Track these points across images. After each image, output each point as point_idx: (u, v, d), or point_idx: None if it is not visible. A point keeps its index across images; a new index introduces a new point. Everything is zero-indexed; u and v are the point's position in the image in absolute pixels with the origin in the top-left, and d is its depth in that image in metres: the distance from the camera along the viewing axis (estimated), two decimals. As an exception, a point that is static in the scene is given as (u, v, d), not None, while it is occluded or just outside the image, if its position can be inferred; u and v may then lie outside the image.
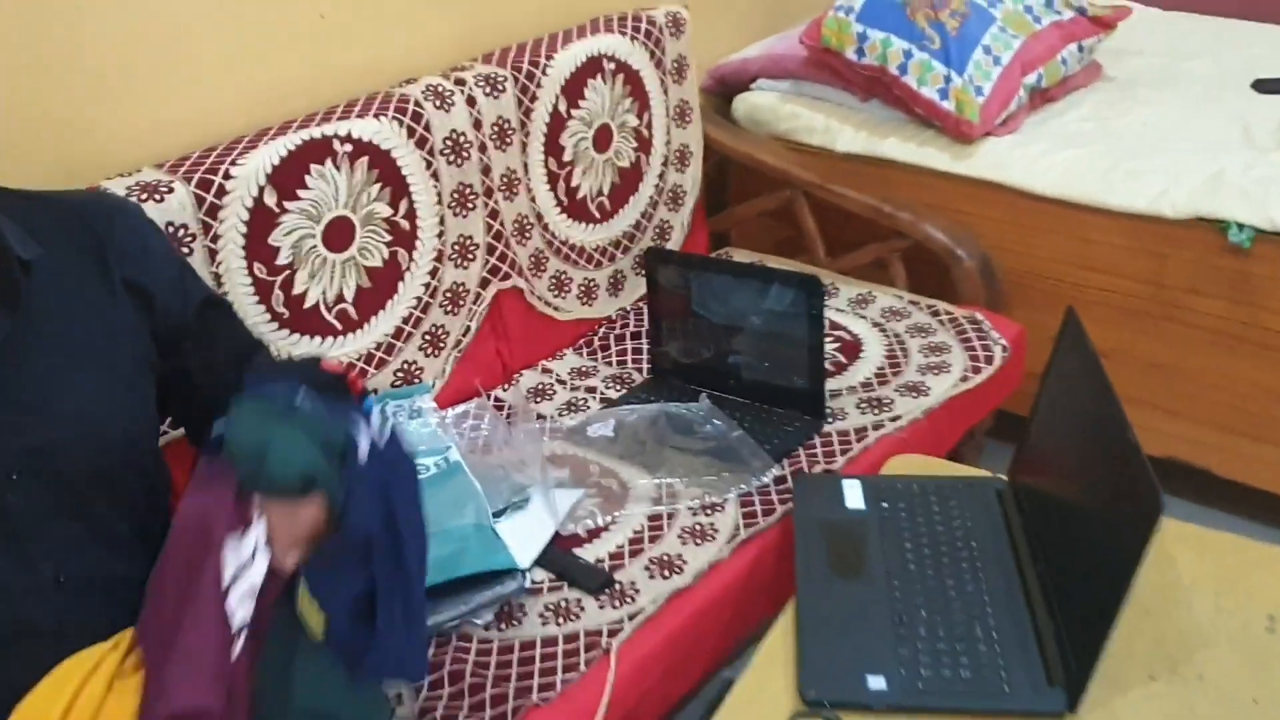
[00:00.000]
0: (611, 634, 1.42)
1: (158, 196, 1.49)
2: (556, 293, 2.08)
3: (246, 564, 1.04)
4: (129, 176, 1.52)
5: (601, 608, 1.47)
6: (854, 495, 1.53)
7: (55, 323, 1.09)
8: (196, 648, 1.01)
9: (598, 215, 2.13)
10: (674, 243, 2.29)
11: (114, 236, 1.15)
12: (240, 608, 1.03)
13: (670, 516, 1.62)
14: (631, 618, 1.45)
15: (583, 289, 2.13)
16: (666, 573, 1.52)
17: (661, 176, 2.23)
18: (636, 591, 1.49)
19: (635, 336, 2.10)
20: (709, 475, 1.68)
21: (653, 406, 1.84)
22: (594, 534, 1.60)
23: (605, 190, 2.13)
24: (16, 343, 1.05)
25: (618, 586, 1.50)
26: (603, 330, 2.14)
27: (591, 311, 2.15)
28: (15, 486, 1.03)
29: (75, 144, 1.54)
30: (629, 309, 2.19)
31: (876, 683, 1.24)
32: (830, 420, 1.81)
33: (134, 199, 1.46)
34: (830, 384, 1.87)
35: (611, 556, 1.56)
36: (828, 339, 1.99)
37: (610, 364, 2.04)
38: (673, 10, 2.20)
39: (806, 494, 1.56)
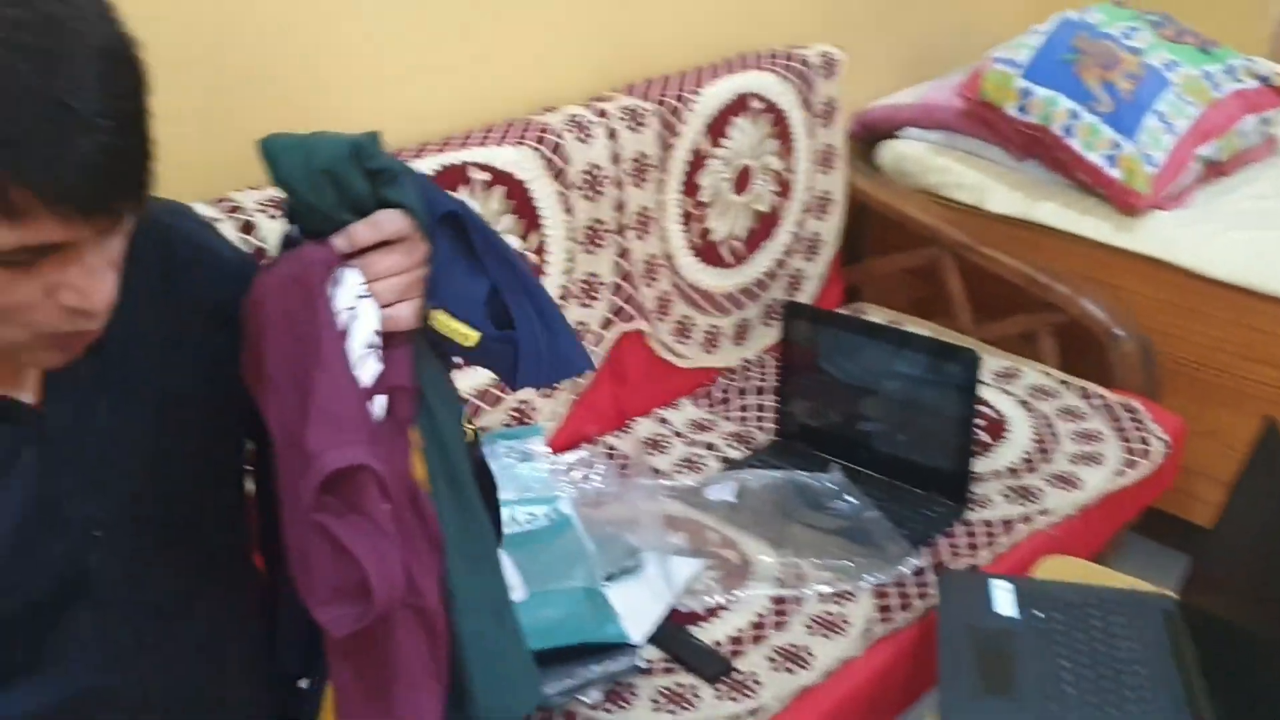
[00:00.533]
0: (723, 729, 1.30)
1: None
2: (679, 338, 1.97)
3: (353, 315, 0.87)
4: (260, 190, 1.45)
5: (719, 698, 1.35)
6: (1005, 599, 1.40)
7: (130, 358, 0.95)
8: (335, 403, 0.85)
9: (730, 260, 2.02)
10: (807, 294, 2.17)
11: (219, 263, 1.03)
12: (363, 367, 0.87)
13: (797, 601, 1.50)
14: (752, 714, 1.32)
15: (707, 336, 2.01)
16: (791, 666, 1.39)
17: (800, 224, 2.12)
18: (758, 684, 1.36)
19: (758, 392, 1.98)
20: (841, 559, 1.55)
21: (779, 474, 1.72)
22: (712, 611, 1.48)
23: (740, 234, 2.02)
24: (94, 386, 0.93)
25: (737, 676, 1.37)
26: (722, 381, 2.03)
27: (713, 360, 2.04)
28: (97, 545, 0.93)
29: (213, 160, 1.46)
30: (752, 360, 2.08)
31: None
32: (973, 508, 1.67)
33: (266, 217, 1.40)
34: (974, 465, 1.73)
35: (730, 640, 1.44)
36: (973, 418, 1.86)
37: (731, 420, 1.92)
38: (826, 50, 2.09)
39: (952, 593, 1.43)
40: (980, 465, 1.75)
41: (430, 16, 1.67)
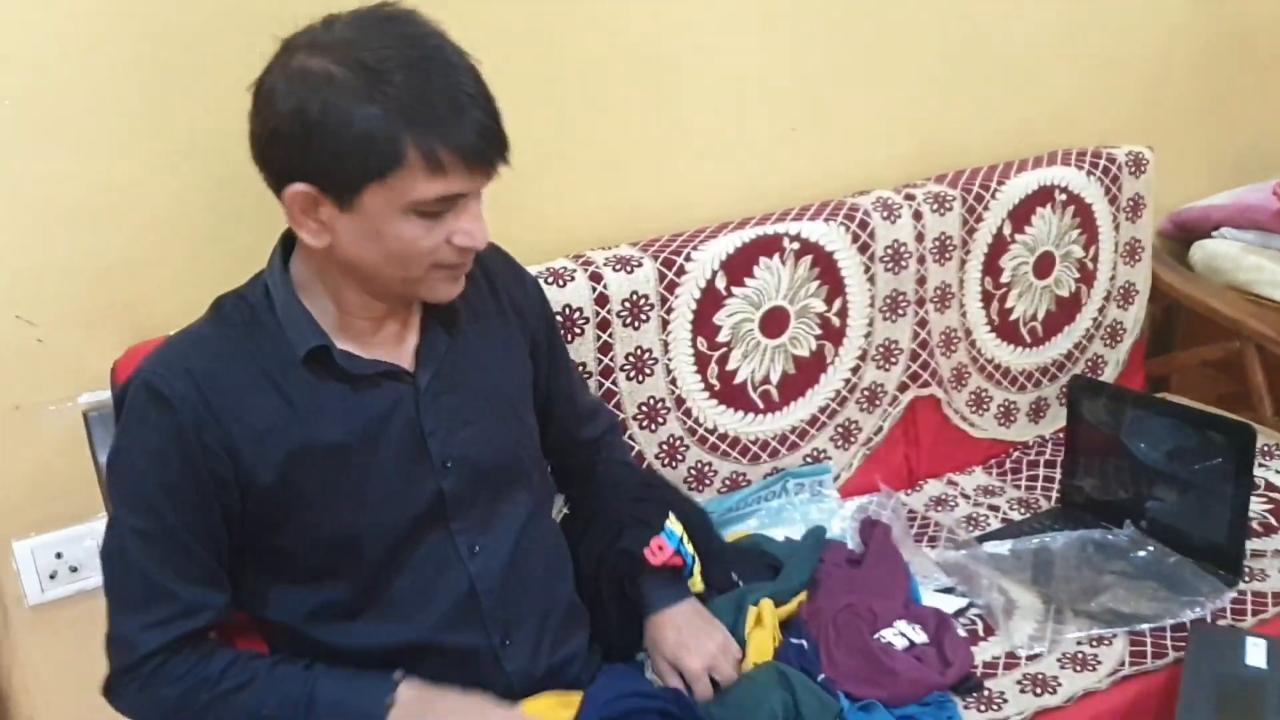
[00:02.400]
0: (971, 734, 1.44)
1: (629, 269, 1.73)
2: (974, 409, 2.12)
3: None
4: (608, 250, 1.77)
5: (966, 707, 1.49)
6: (1257, 653, 1.46)
7: (470, 344, 1.33)
8: None
9: (1028, 339, 2.15)
10: (1106, 379, 2.25)
11: (527, 287, 1.45)
12: None
13: (1054, 643, 1.61)
14: (993, 723, 1.46)
15: (1002, 409, 2.15)
16: (1039, 690, 1.51)
17: (1101, 310, 2.22)
18: (1004, 700, 1.50)
19: (1049, 465, 2.09)
20: (1159, 599, 1.65)
21: (1074, 533, 1.82)
22: (973, 640, 1.62)
23: (1039, 315, 2.15)
24: (445, 355, 1.30)
25: (985, 692, 1.51)
26: (1015, 454, 2.15)
27: (1008, 434, 2.17)
28: (448, 474, 1.28)
29: (568, 220, 1.81)
30: (1047, 438, 2.18)
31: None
32: (1247, 579, 1.71)
33: (610, 270, 1.71)
34: (1255, 543, 1.77)
35: (985, 665, 1.58)
36: (1261, 499, 1.89)
37: (1018, 488, 2.05)
38: (1136, 150, 2.20)
39: (1203, 644, 1.50)
40: (1262, 543, 1.78)
41: (763, 109, 1.96)
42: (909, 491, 2.05)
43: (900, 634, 1.52)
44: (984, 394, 2.13)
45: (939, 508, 1.99)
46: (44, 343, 1.55)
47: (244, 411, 1.19)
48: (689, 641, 1.40)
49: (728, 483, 1.89)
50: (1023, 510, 1.97)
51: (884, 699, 1.43)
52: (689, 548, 1.46)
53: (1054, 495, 2.00)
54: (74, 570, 1.66)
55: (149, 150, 1.54)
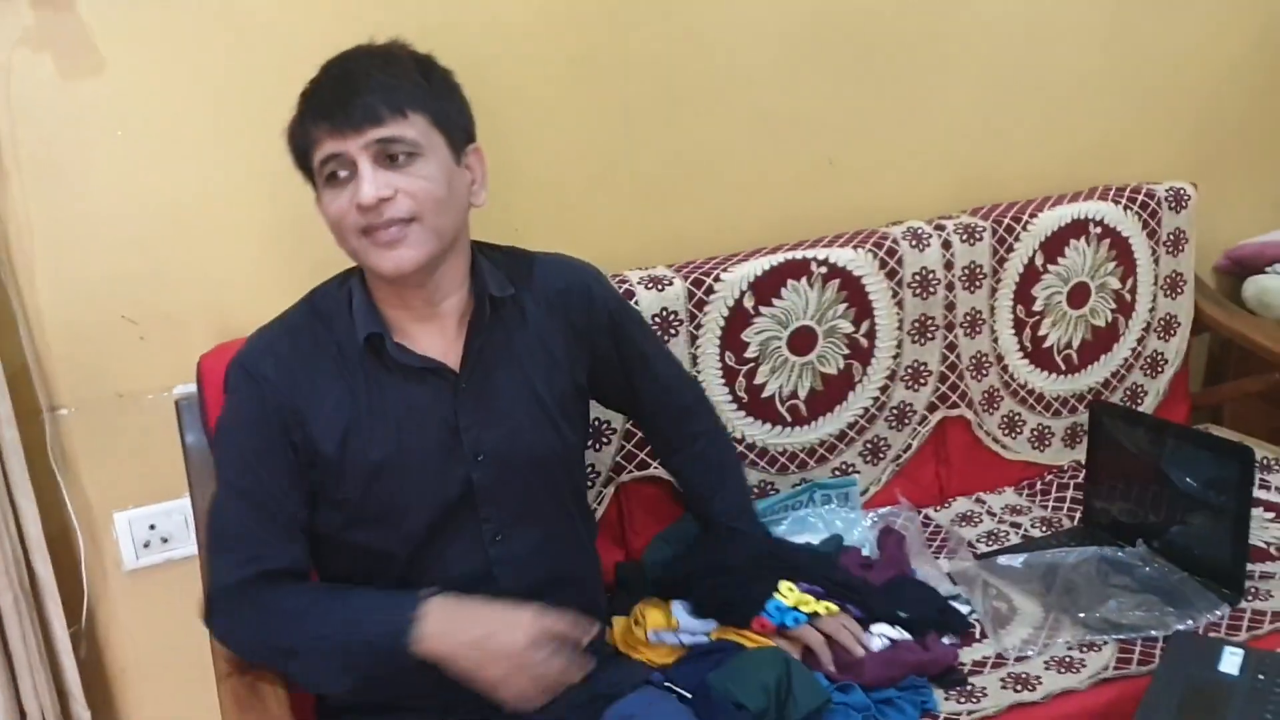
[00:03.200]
0: (947, 721, 1.54)
1: (660, 287, 1.89)
2: (1007, 431, 2.21)
3: None
4: (644, 270, 1.93)
5: (946, 699, 1.59)
6: (1231, 661, 1.52)
7: (512, 349, 1.47)
8: None
9: (1063, 366, 2.23)
10: (1146, 408, 2.31)
11: (589, 295, 1.56)
12: None
13: (1045, 646, 1.70)
14: (971, 714, 1.55)
15: (1035, 433, 2.23)
16: (1019, 687, 1.61)
17: (1141, 341, 2.28)
18: (984, 694, 1.59)
19: (1080, 488, 2.16)
20: (1153, 611, 1.72)
21: (1089, 549, 1.90)
22: (967, 642, 1.72)
23: (1074, 344, 2.23)
24: (487, 357, 1.45)
25: (968, 687, 1.61)
26: (1049, 477, 2.23)
27: (1042, 457, 2.24)
28: (478, 466, 1.43)
29: (610, 243, 1.98)
30: (1083, 463, 2.24)
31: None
32: (1250, 598, 1.76)
33: (642, 288, 1.87)
34: (1269, 566, 1.83)
35: (974, 664, 1.67)
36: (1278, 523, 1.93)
37: (1045, 508, 2.13)
38: (1177, 186, 2.27)
39: (1179, 650, 1.57)
40: (1275, 566, 1.83)
41: (801, 141, 2.11)
42: (937, 508, 2.14)
43: (880, 635, 1.63)
44: (1017, 417, 2.21)
45: (963, 523, 2.09)
46: (144, 340, 1.79)
47: (314, 391, 1.40)
48: None
49: (755, 491, 2.02)
50: (1044, 529, 2.05)
51: (859, 681, 1.55)
52: (793, 605, 1.62)
53: (1076, 514, 2.07)
54: (165, 541, 1.89)
55: (239, 174, 1.77)
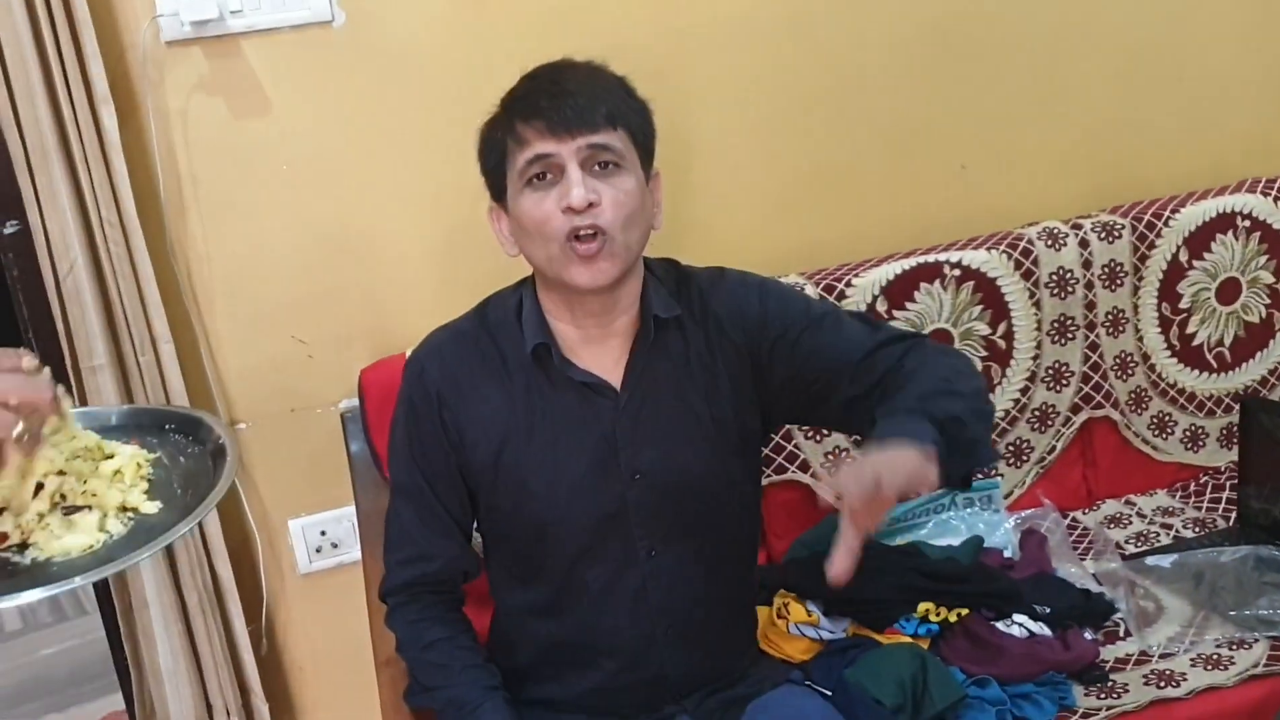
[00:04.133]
0: (1085, 716, 1.54)
1: (792, 294, 1.93)
2: (1157, 432, 2.17)
3: None
4: (778, 278, 1.97)
5: (1086, 694, 1.59)
6: (1387, 658, 1.48)
7: (674, 370, 1.43)
8: None
9: (1214, 364, 2.18)
10: (1308, 406, 2.23)
11: (745, 310, 1.45)
12: None
13: (1193, 644, 1.67)
14: (1110, 709, 1.55)
15: (1188, 434, 2.18)
16: (1162, 684, 1.59)
17: (1299, 337, 2.22)
18: (1125, 690, 1.58)
19: (1233, 488, 2.10)
20: None
21: (1243, 548, 1.86)
22: (1110, 638, 1.71)
23: (1226, 341, 2.18)
24: (649, 377, 1.42)
25: (1109, 683, 1.60)
26: (1204, 478, 2.17)
27: (1197, 458, 2.19)
28: (634, 485, 1.43)
29: (747, 252, 2.01)
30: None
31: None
32: None
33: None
34: None
35: (1118, 660, 1.66)
36: None
37: (1199, 509, 2.08)
38: (1332, 174, 2.20)
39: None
40: None
41: (932, 147, 2.13)
42: (1085, 510, 2.12)
43: (1019, 625, 1.63)
44: (1167, 418, 2.17)
45: (1111, 525, 2.06)
46: (313, 358, 1.94)
47: (476, 399, 1.42)
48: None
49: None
50: (1197, 530, 2.01)
51: (996, 675, 1.56)
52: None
53: (1231, 515, 2.02)
54: (335, 546, 2.03)
55: (394, 201, 1.91)
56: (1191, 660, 1.63)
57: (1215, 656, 1.64)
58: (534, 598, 1.49)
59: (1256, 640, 1.65)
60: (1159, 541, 1.99)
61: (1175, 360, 2.16)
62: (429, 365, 1.45)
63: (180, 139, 1.80)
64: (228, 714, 1.92)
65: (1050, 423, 2.09)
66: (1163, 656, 1.65)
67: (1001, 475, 2.08)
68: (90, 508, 1.02)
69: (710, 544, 1.49)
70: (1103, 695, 1.58)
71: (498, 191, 1.40)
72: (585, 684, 1.49)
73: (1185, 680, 1.59)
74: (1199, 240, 2.12)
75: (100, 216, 1.72)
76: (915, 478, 1.15)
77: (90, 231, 1.73)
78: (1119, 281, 2.09)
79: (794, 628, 1.70)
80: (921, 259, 2.00)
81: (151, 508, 1.03)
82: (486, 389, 1.43)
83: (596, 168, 1.32)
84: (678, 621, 1.48)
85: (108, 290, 1.76)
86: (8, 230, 1.73)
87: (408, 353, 1.83)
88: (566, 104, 1.31)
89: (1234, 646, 1.65)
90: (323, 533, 2.02)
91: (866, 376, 1.40)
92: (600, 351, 1.43)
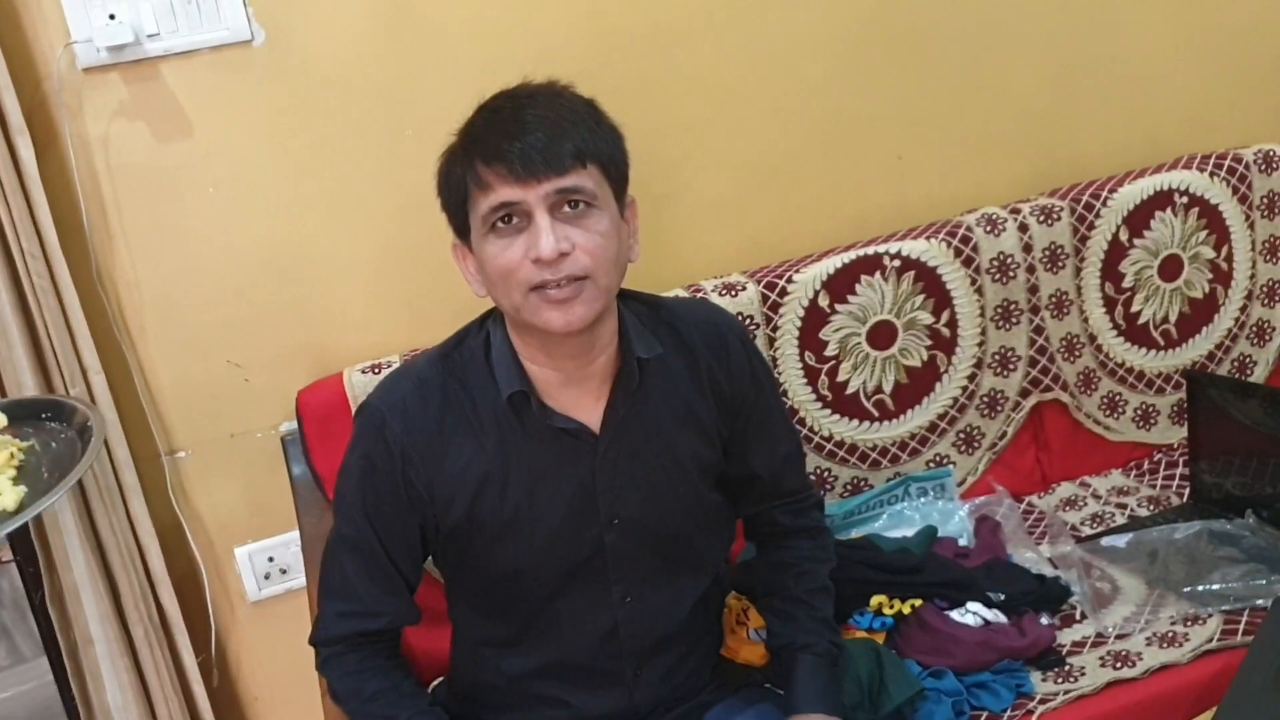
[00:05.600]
0: (1043, 701, 1.53)
1: (734, 293, 1.92)
2: (1108, 412, 2.16)
3: None
4: (719, 278, 1.96)
5: (1044, 680, 1.58)
6: (1339, 626, 1.47)
7: (655, 412, 1.38)
8: None
9: (1161, 342, 2.18)
10: (1256, 379, 2.24)
11: (730, 355, 1.43)
12: None
13: (1148, 623, 1.66)
14: (1067, 693, 1.54)
15: (1139, 412, 2.18)
16: (1118, 664, 1.58)
17: (1244, 310, 2.22)
18: (1082, 673, 1.57)
19: (1186, 464, 2.10)
20: (1260, 580, 1.69)
21: (1195, 524, 1.86)
22: (1067, 622, 1.70)
23: (1171, 318, 2.18)
24: (629, 420, 1.36)
25: (1066, 667, 1.59)
26: (1158, 456, 2.17)
27: (1149, 436, 2.19)
28: (612, 530, 1.38)
29: (685, 252, 2.03)
30: (1192, 440, 2.19)
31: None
32: (1366, 563, 1.70)
33: (715, 295, 1.90)
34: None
35: (1074, 643, 1.65)
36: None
37: (1153, 487, 2.08)
38: (1266, 148, 2.20)
39: (1281, 617, 1.52)
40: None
41: (867, 140, 2.12)
42: (1040, 494, 2.11)
43: (973, 614, 1.62)
44: (1117, 397, 2.17)
45: (1066, 508, 2.05)
46: (250, 381, 1.91)
47: (445, 454, 1.33)
48: None
49: (849, 487, 2.03)
50: (1152, 507, 2.01)
51: (952, 665, 1.54)
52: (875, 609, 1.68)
53: (1185, 491, 2.02)
54: (284, 572, 1.99)
55: (325, 220, 1.88)
56: (1147, 639, 1.63)
57: (1170, 634, 1.63)
58: (499, 632, 1.45)
59: (1210, 615, 1.65)
60: (1114, 521, 1.99)
61: (1122, 339, 2.16)
62: (391, 420, 1.33)
63: (103, 165, 1.77)
64: (181, 749, 1.89)
65: (1000, 408, 2.09)
66: (1118, 637, 1.65)
67: (954, 463, 2.08)
68: None
69: (687, 582, 1.47)
70: (1060, 680, 1.57)
71: (461, 230, 1.31)
72: (548, 714, 1.47)
73: (1141, 660, 1.58)
74: (1138, 219, 2.13)
75: (22, 248, 1.69)
76: None
77: (13, 264, 1.70)
78: (1061, 264, 2.09)
79: (754, 634, 1.68)
80: (861, 251, 1.99)
81: (14, 495, 1.10)
82: (456, 443, 1.34)
83: (567, 208, 1.23)
84: (649, 659, 1.45)
85: (34, 323, 1.72)
86: (-73, 267, 1.70)
87: (345, 371, 1.83)
88: (531, 145, 1.21)
89: (1188, 623, 1.65)
90: (270, 559, 1.99)
91: (763, 496, 1.52)
92: (579, 393, 1.36)
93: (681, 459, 1.40)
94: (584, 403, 1.35)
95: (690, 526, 1.43)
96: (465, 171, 1.26)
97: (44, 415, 1.22)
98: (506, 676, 1.46)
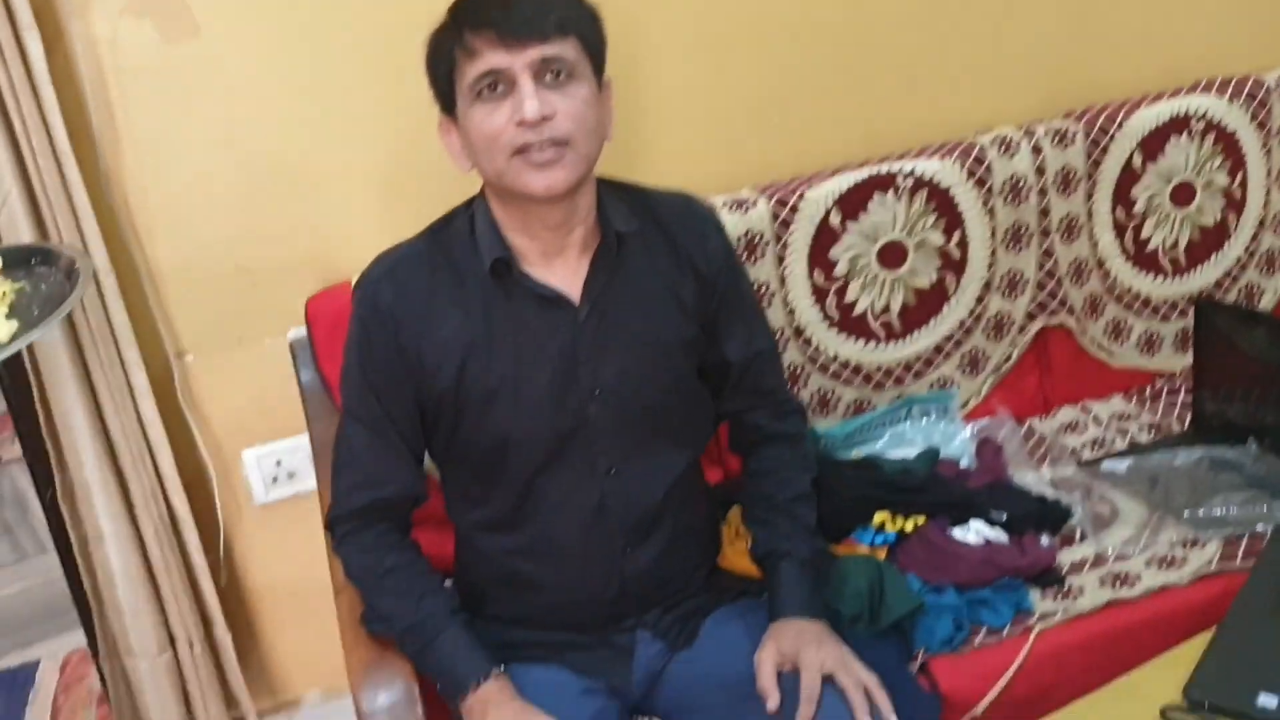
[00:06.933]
0: (1042, 619, 1.55)
1: (744, 209, 1.91)
2: (1112, 338, 2.17)
3: None
4: (730, 193, 1.95)
5: (1043, 598, 1.60)
6: (1337, 550, 1.50)
7: (635, 286, 1.44)
8: None
9: (1169, 268, 2.18)
10: (1264, 308, 2.24)
11: (707, 239, 1.50)
12: None
13: (1147, 545, 1.69)
14: (1066, 612, 1.56)
15: (1143, 339, 2.19)
16: (1117, 584, 1.61)
17: (1255, 238, 2.21)
18: (1081, 593, 1.60)
19: (1188, 391, 2.11)
20: (1260, 506, 1.71)
21: (1197, 449, 1.87)
22: (1067, 542, 1.72)
23: (1180, 245, 2.17)
24: (609, 293, 1.42)
25: (1066, 586, 1.62)
26: (1160, 383, 2.18)
27: (1152, 363, 2.20)
28: (596, 401, 1.42)
29: (694, 170, 2.00)
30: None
31: (1268, 700, 1.26)
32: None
33: (726, 211, 1.89)
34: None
35: (1074, 564, 1.68)
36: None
37: (1154, 413, 2.09)
38: (1292, 72, 2.18)
39: (1280, 543, 1.54)
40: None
41: (880, 55, 2.09)
42: (1041, 417, 2.13)
43: (975, 532, 1.64)
44: (1122, 323, 2.17)
45: (1067, 432, 2.07)
46: (257, 287, 1.90)
47: (433, 321, 1.40)
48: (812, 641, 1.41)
49: (851, 408, 2.04)
50: (1152, 433, 2.03)
51: (952, 581, 1.57)
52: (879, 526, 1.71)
53: (1188, 420, 2.04)
54: (291, 476, 2.01)
55: (335, 123, 1.86)
56: (1146, 561, 1.65)
57: (1170, 557, 1.66)
58: (490, 514, 1.49)
59: (1209, 539, 1.67)
60: (1115, 446, 2.00)
61: (1130, 265, 2.16)
62: (383, 288, 1.41)
63: (110, 66, 1.75)
64: (190, 645, 1.92)
65: (1005, 331, 2.09)
66: (1118, 558, 1.67)
67: (958, 385, 2.09)
68: None
69: (671, 460, 1.50)
70: (1059, 598, 1.60)
71: (447, 104, 1.37)
72: (544, 599, 1.50)
73: (1140, 581, 1.61)
74: (1153, 143, 2.11)
75: (32, 148, 1.67)
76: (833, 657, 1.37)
77: (23, 164, 1.68)
78: (1073, 187, 2.07)
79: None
80: (874, 169, 1.98)
81: (6, 328, 1.19)
82: (444, 309, 1.40)
83: (550, 76, 1.30)
84: (637, 537, 1.48)
85: (44, 223, 1.71)
86: (-64, 164, 1.69)
87: (353, 279, 1.82)
88: (516, 12, 1.28)
89: (1188, 546, 1.67)
90: (278, 462, 2.00)
91: (740, 392, 1.57)
92: (559, 264, 1.42)
93: (661, 333, 1.45)
94: (564, 274, 1.41)
95: (672, 399, 1.47)
96: (453, 42, 1.32)
97: (33, 261, 1.33)
98: (500, 561, 1.50)
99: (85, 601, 1.88)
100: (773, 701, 1.36)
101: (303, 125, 1.85)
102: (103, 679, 1.93)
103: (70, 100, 1.72)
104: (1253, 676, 1.29)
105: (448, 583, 1.49)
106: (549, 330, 1.41)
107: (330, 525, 1.50)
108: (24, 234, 1.69)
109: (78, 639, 2.08)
